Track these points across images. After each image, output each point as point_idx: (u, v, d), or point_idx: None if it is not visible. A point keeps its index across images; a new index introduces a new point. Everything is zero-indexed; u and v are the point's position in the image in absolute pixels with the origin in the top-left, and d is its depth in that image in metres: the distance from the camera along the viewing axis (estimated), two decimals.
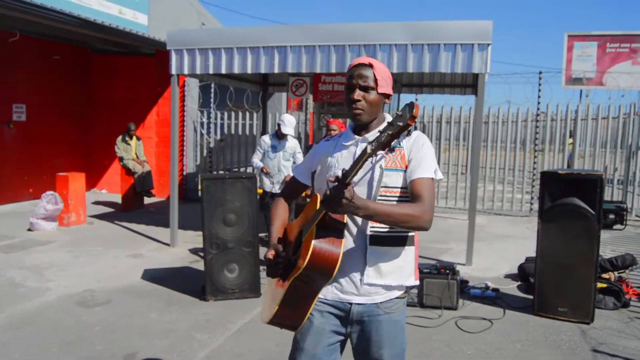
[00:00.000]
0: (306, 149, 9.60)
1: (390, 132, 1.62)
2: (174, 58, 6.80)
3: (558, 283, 4.59)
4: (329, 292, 2.06)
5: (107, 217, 9.32)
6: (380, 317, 2.04)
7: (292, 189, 2.34)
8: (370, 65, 2.02)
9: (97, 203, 10.85)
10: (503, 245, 7.64)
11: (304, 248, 1.85)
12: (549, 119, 10.26)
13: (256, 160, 6.42)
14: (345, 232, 1.96)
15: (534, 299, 4.77)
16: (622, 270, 5.56)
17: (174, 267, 6.26)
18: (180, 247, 7.18)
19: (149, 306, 4.93)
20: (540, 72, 9.92)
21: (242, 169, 12.11)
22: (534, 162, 10.36)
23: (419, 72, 6.02)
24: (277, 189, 6.25)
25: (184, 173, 11.39)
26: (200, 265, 5.96)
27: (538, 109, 10.24)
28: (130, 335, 4.25)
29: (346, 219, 1.89)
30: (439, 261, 6.17)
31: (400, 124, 1.61)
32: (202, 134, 11.57)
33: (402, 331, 2.10)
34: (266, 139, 6.41)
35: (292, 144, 6.33)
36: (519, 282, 5.72)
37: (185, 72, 6.81)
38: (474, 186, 6.48)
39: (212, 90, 11.45)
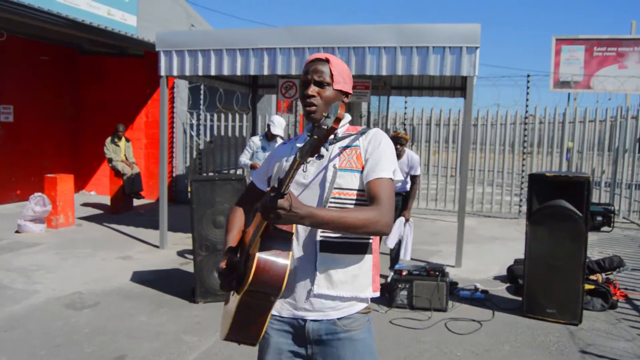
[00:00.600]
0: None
1: (316, 137, 1.46)
2: (162, 59, 6.77)
3: (546, 285, 4.63)
4: (284, 309, 1.88)
5: (96, 219, 9.26)
6: (339, 336, 1.85)
7: (250, 195, 2.12)
8: (327, 60, 1.90)
9: (86, 205, 10.77)
10: (492, 247, 7.68)
11: (250, 261, 1.67)
12: (537, 121, 10.34)
13: (244, 159, 6.37)
14: (295, 240, 1.81)
15: (523, 300, 4.80)
16: (609, 272, 5.62)
17: (163, 269, 6.23)
18: (169, 249, 7.15)
19: (138, 309, 4.90)
20: (529, 75, 10.01)
21: (231, 171, 12.08)
22: (523, 165, 10.43)
23: (407, 74, 6.04)
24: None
25: (174, 175, 11.35)
26: (189, 267, 5.94)
27: (526, 111, 10.33)
28: (119, 337, 4.22)
29: (294, 228, 1.76)
30: (428, 263, 6.18)
31: (325, 127, 1.45)
32: (191, 136, 11.53)
33: (368, 352, 1.88)
34: (256, 140, 6.39)
35: None
36: (508, 284, 5.76)
37: (175, 73, 6.79)
38: (463, 188, 6.52)
39: (202, 92, 11.42)
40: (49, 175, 8.64)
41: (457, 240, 6.44)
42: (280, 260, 1.64)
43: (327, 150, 1.87)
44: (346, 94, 1.96)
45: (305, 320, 1.86)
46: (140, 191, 10.11)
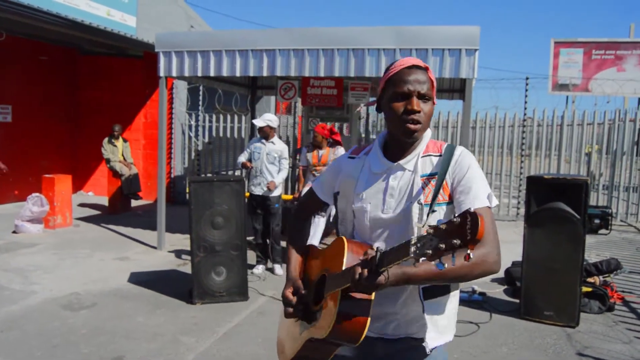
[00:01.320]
0: (294, 153, 9.61)
1: (442, 247, 1.19)
2: (162, 60, 6.77)
3: (544, 287, 4.63)
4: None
5: (94, 220, 9.25)
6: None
7: (311, 203, 1.97)
8: (426, 69, 1.66)
9: (83, 205, 10.75)
10: None
11: (325, 310, 1.62)
12: (535, 124, 10.35)
13: (242, 158, 6.34)
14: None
15: (520, 302, 4.81)
16: (607, 275, 5.62)
17: (161, 270, 6.23)
18: (167, 250, 7.15)
19: (136, 309, 4.90)
20: (527, 78, 10.02)
21: (230, 172, 12.08)
22: (521, 167, 10.44)
23: None
24: (260, 191, 6.18)
25: (172, 176, 11.34)
26: (187, 268, 5.94)
27: (525, 114, 10.34)
28: (116, 338, 4.22)
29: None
30: None
31: (458, 242, 1.15)
32: (190, 137, 11.52)
33: None
34: (254, 141, 6.38)
35: (278, 147, 6.28)
36: (506, 286, 5.76)
37: (174, 74, 6.79)
38: None
39: (201, 93, 11.42)
40: (46, 175, 8.62)
41: None
42: (359, 318, 1.54)
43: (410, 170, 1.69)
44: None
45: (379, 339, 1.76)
46: (138, 192, 10.09)
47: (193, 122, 11.49)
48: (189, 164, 11.58)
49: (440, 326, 1.69)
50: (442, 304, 1.69)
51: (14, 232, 7.93)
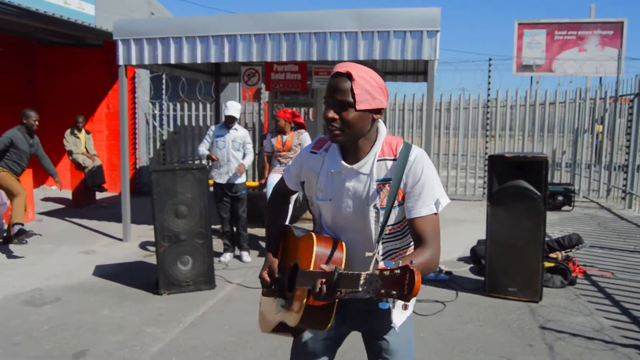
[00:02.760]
0: (260, 139, 9.53)
1: (383, 292, 1.28)
2: (120, 48, 6.61)
3: (507, 264, 4.71)
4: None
5: (58, 214, 9.04)
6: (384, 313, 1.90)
7: (283, 188, 2.12)
8: (349, 75, 1.68)
9: (47, 199, 10.51)
10: (456, 229, 7.78)
11: (295, 301, 1.79)
12: (499, 105, 10.48)
13: (202, 149, 6.17)
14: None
15: (485, 280, 4.89)
16: (569, 250, 5.76)
17: (127, 262, 6.13)
18: (133, 242, 7.04)
19: (101, 303, 4.81)
20: (490, 59, 10.12)
21: (197, 162, 11.93)
22: (486, 148, 10.58)
23: (370, 59, 6.03)
24: (225, 180, 6.11)
25: (137, 166, 11.15)
26: (153, 259, 5.85)
27: (488, 95, 10.46)
28: (80, 333, 4.14)
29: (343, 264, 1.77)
30: None
31: (395, 293, 1.26)
32: (154, 127, 11.33)
33: (408, 330, 2.02)
34: (215, 128, 6.25)
35: (241, 133, 6.20)
36: (472, 265, 5.85)
37: (133, 62, 6.64)
38: None
39: (164, 81, 11.21)
40: None
41: None
42: (325, 310, 1.71)
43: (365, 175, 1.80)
44: (378, 110, 1.75)
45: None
46: (103, 184, 9.89)
47: (157, 112, 11.29)
48: (155, 154, 11.39)
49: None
50: None
51: None
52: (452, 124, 10.80)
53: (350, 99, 1.68)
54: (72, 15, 9.58)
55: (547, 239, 5.33)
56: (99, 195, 10.25)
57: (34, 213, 8.57)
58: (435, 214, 1.73)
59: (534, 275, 4.64)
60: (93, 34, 10.06)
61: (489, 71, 10.31)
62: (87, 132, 10.03)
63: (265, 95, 10.27)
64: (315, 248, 1.73)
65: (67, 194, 10.24)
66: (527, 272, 4.65)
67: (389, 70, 9.29)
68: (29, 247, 6.78)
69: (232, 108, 6.08)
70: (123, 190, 7.11)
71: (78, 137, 9.73)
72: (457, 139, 11.02)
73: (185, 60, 6.42)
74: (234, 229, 6.31)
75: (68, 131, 9.73)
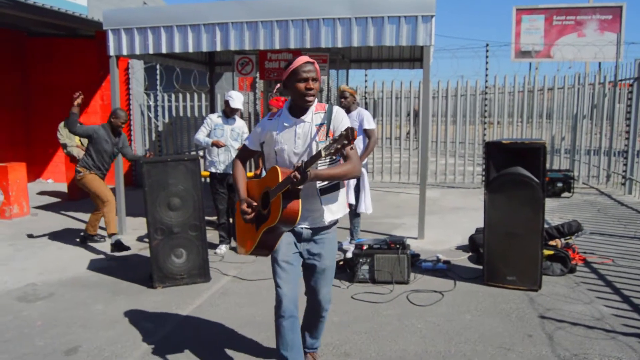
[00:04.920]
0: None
1: (338, 147, 2.39)
2: (111, 38, 6.50)
3: (506, 252, 4.64)
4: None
5: (53, 208, 8.97)
6: (322, 236, 2.93)
7: (245, 153, 3.13)
8: (313, 63, 2.78)
9: (42, 193, 10.43)
10: (455, 217, 7.71)
11: (273, 208, 2.67)
12: (497, 91, 10.37)
13: (202, 137, 6.07)
14: (305, 190, 2.71)
15: (483, 269, 4.82)
16: (568, 237, 5.69)
17: (122, 255, 6.06)
18: (129, 235, 6.97)
19: (95, 297, 4.75)
20: (487, 45, 9.99)
21: (193, 153, 11.84)
22: (484, 135, 10.48)
23: (364, 46, 5.93)
24: (222, 169, 6.03)
25: None
26: (149, 252, 5.78)
27: (486, 81, 10.34)
28: (73, 328, 4.07)
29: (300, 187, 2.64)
30: (390, 236, 6.17)
31: (346, 142, 2.38)
32: (149, 118, 11.22)
33: (333, 247, 3.02)
34: (214, 117, 6.14)
35: (240, 123, 6.13)
36: (470, 253, 5.78)
37: (124, 52, 6.53)
38: (423, 159, 6.48)
39: (158, 72, 11.08)
40: None
41: (419, 211, 6.43)
42: (295, 207, 2.62)
43: (324, 122, 2.80)
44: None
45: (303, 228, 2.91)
46: None
47: (152, 103, 11.17)
48: (150, 146, 11.28)
49: (333, 210, 2.89)
50: (333, 197, 2.87)
51: None
52: (450, 111, 10.68)
53: (317, 76, 2.79)
54: (64, 6, 9.43)
55: (546, 226, 5.25)
56: None
57: (29, 207, 8.49)
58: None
59: (533, 263, 4.57)
60: (85, 25, 9.92)
61: (487, 57, 10.19)
62: (80, 124, 9.89)
63: (260, 84, 10.14)
64: (279, 169, 2.67)
65: (64, 187, 10.16)
66: (526, 260, 4.58)
67: (385, 57, 9.18)
68: (23, 242, 6.72)
69: (237, 100, 6.01)
70: (117, 183, 7.03)
71: None
72: (455, 126, 10.92)
73: (177, 49, 6.31)
74: (230, 220, 6.24)
75: (62, 124, 9.59)
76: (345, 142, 2.37)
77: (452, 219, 7.62)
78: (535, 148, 4.48)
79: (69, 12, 9.35)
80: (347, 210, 3.02)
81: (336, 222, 2.98)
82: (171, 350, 3.66)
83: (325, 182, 2.79)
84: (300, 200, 2.63)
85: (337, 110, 2.83)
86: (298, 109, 2.83)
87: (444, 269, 5.23)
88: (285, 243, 2.87)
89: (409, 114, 12.13)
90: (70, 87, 10.87)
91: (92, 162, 6.34)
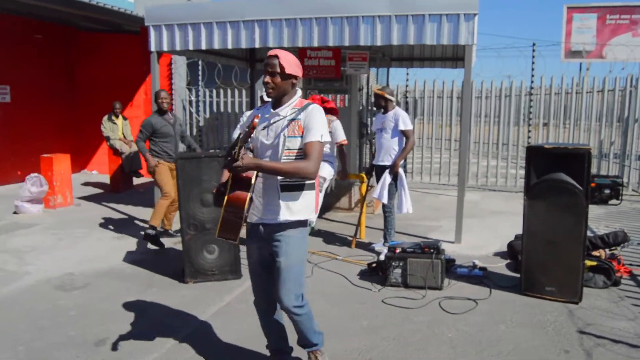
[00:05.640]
0: None
1: (245, 132, 2.57)
2: (152, 34, 6.60)
3: (545, 261, 4.45)
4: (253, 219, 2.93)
5: (95, 199, 9.18)
6: (280, 234, 2.87)
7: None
8: (276, 56, 2.76)
9: (87, 184, 10.71)
10: (495, 222, 7.49)
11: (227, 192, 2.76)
12: (542, 92, 10.02)
13: (237, 134, 6.11)
14: (266, 183, 2.82)
15: (521, 278, 4.64)
16: (613, 247, 5.41)
17: (157, 248, 6.13)
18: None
19: (128, 289, 4.81)
20: (534, 44, 9.67)
21: None
22: (528, 137, 10.16)
23: (404, 44, 5.80)
24: None
25: None
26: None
27: (532, 82, 10.01)
28: (104, 319, 4.13)
29: (255, 177, 2.71)
30: (424, 239, 6.03)
31: (247, 129, 2.58)
32: (191, 113, 11.36)
33: (297, 246, 2.91)
34: (248, 114, 6.15)
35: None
36: (508, 261, 5.59)
37: (165, 48, 6.60)
38: (463, 161, 6.32)
39: (200, 67, 11.20)
40: (44, 155, 8.52)
41: (456, 214, 6.27)
42: (240, 195, 2.67)
43: (298, 117, 2.78)
44: (294, 77, 2.83)
45: (260, 224, 2.91)
46: (139, 169, 9.98)
47: (193, 98, 11.31)
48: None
49: (293, 210, 2.83)
50: (294, 196, 2.82)
51: (15, 212, 7.89)
52: (493, 111, 10.39)
53: (279, 70, 2.75)
54: (111, 2, 9.63)
55: (590, 235, 5.02)
56: (135, 181, 10.37)
57: (72, 198, 8.71)
58: (320, 142, 2.75)
59: (573, 274, 4.36)
60: (130, 21, 10.12)
61: (533, 57, 9.86)
62: (124, 118, 10.13)
63: (299, 81, 10.13)
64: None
65: (107, 179, 10.40)
66: (566, 270, 4.38)
67: (427, 56, 9.00)
68: (65, 232, 6.89)
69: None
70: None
71: (115, 123, 9.84)
72: (498, 127, 10.62)
73: (216, 45, 6.34)
74: None
75: (105, 117, 9.84)
76: (247, 129, 2.53)
77: (491, 223, 7.40)
78: (580, 154, 4.27)
79: (115, 8, 9.54)
80: (314, 215, 2.95)
81: (300, 223, 2.90)
82: (198, 346, 3.66)
83: (287, 179, 2.78)
84: (250, 189, 2.66)
85: (313, 108, 2.81)
86: (276, 102, 2.86)
87: (479, 276, 5.07)
88: (254, 249, 2.98)
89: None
90: (116, 81, 11.19)
91: (159, 149, 6.41)
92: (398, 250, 4.82)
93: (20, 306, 4.42)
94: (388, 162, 5.91)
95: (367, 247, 6.19)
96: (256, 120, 2.61)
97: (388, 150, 5.91)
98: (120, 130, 9.90)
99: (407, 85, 10.77)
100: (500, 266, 5.44)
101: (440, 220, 7.52)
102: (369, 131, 8.33)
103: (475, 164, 10.43)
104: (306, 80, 8.13)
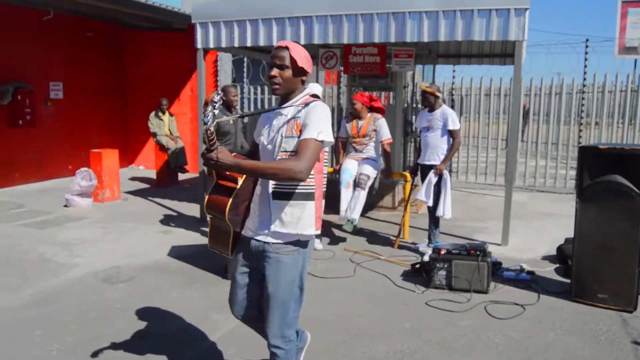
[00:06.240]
0: (337, 124, 9.37)
1: (205, 129, 2.17)
2: (199, 32, 6.66)
3: (598, 267, 4.27)
4: (247, 234, 2.59)
5: (142, 193, 9.38)
6: (269, 255, 2.49)
7: (254, 145, 2.74)
8: (287, 47, 2.42)
9: (134, 179, 10.95)
10: (543, 224, 7.26)
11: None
12: (595, 90, 9.64)
13: None
14: (261, 191, 2.49)
15: (572, 283, 4.47)
16: None
17: (202, 244, 6.19)
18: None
19: (171, 284, 4.88)
20: (587, 40, 9.33)
21: None
22: (580, 137, 9.81)
23: (451, 40, 5.68)
24: None
25: None
26: None
27: (584, 79, 9.66)
28: (148, 314, 4.19)
29: (242, 180, 2.44)
30: (470, 241, 5.89)
31: (210, 107, 2.16)
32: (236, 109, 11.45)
33: (289, 273, 2.50)
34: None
35: None
36: (558, 265, 5.39)
37: (211, 45, 6.66)
38: (511, 160, 6.15)
39: (245, 64, 11.29)
40: (94, 150, 8.76)
41: (503, 216, 6.10)
42: (220, 199, 2.43)
43: (297, 115, 2.42)
44: (305, 72, 2.48)
45: (251, 239, 2.55)
46: (185, 165, 10.14)
47: (238, 95, 11.39)
48: None
49: (285, 222, 2.43)
50: (288, 205, 2.42)
51: (65, 205, 8.13)
52: (543, 110, 10.07)
53: (289, 63, 2.40)
54: (159, 1, 9.82)
55: None
56: (181, 177, 10.54)
57: (120, 192, 8.92)
58: (315, 140, 2.32)
59: (628, 281, 4.17)
60: (178, 18, 10.28)
61: (586, 53, 9.51)
62: (171, 115, 10.30)
63: (344, 78, 10.05)
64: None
65: (153, 174, 10.62)
66: (620, 277, 4.19)
67: (475, 53, 8.81)
68: (112, 225, 7.05)
69: (315, 87, 5.96)
70: (202, 172, 7.21)
71: (162, 119, 10.02)
72: (547, 126, 10.29)
73: (262, 42, 6.35)
74: None
75: (152, 113, 10.03)
76: (208, 105, 2.15)
77: (539, 225, 7.18)
78: (637, 155, 4.08)
79: (163, 5, 9.71)
80: (311, 230, 2.47)
81: (297, 243, 2.49)
82: (240, 343, 3.66)
83: (281, 183, 2.39)
84: (232, 193, 2.40)
85: (315, 105, 2.42)
86: (283, 100, 2.52)
87: (527, 280, 4.91)
88: (239, 259, 2.66)
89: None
90: (164, 78, 11.40)
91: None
92: (443, 252, 4.72)
93: (70, 297, 4.54)
94: (434, 162, 5.80)
95: (410, 247, 6.10)
96: (212, 94, 2.21)
97: (435, 149, 5.80)
98: (166, 126, 10.08)
99: (453, 83, 10.57)
100: (548, 270, 5.26)
101: (486, 222, 7.34)
102: (413, 129, 8.22)
103: (523, 164, 10.15)
104: (351, 77, 8.07)
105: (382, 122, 6.20)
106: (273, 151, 2.45)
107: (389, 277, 5.05)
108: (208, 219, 2.50)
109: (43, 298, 4.52)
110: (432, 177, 5.75)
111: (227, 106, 6.38)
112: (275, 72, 2.41)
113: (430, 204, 5.78)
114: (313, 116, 2.37)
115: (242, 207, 2.55)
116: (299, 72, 2.44)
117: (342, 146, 6.60)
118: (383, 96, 11.41)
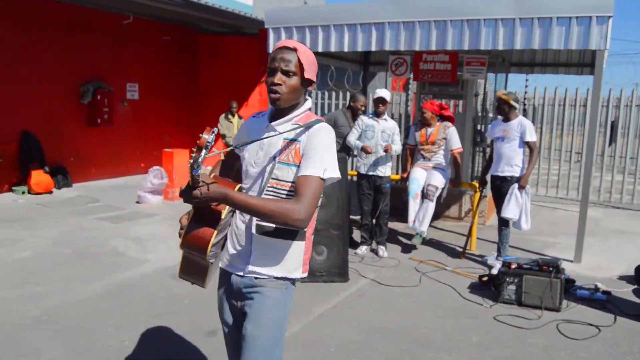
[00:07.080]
0: (406, 130, 9.29)
1: (199, 156, 1.65)
2: (272, 37, 6.77)
3: None
4: (223, 264, 2.17)
5: None
6: (254, 289, 2.06)
7: (231, 156, 2.31)
8: (295, 50, 1.96)
9: None
10: (619, 242, 6.91)
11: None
12: None
13: (353, 139, 6.06)
14: (239, 218, 2.06)
15: None
16: None
17: None
18: None
19: None
20: None
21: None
22: None
23: (527, 48, 5.51)
24: (372, 171, 5.98)
25: None
26: None
27: None
28: (215, 311, 4.25)
29: (226, 212, 1.93)
30: (542, 256, 5.68)
31: (204, 152, 1.65)
32: None
33: (274, 309, 2.07)
34: (365, 119, 6.10)
35: (391, 124, 6.02)
36: (636, 286, 5.12)
37: None
38: (586, 174, 5.89)
39: None
40: (166, 149, 9.08)
41: (577, 232, 5.85)
42: (204, 233, 1.91)
43: (297, 139, 1.97)
44: (311, 82, 2.02)
45: (231, 274, 2.12)
46: None
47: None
48: None
49: (267, 260, 2.02)
50: (273, 243, 2.00)
51: (137, 202, 8.46)
52: (621, 122, 9.61)
53: (296, 69, 1.94)
54: (232, 6, 10.09)
55: None
56: None
57: None
58: (320, 178, 1.90)
59: None
60: (250, 23, 10.52)
61: None
62: (240, 117, 10.53)
63: (413, 85, 9.96)
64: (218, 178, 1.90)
65: None
66: None
67: (550, 61, 8.51)
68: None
69: (381, 91, 5.94)
70: None
71: (231, 122, 10.26)
72: (624, 139, 9.80)
73: (333, 48, 6.39)
74: (374, 222, 6.18)
75: (222, 116, 10.29)
76: (204, 152, 1.66)
77: (615, 243, 6.83)
78: None
79: (236, 11, 9.96)
80: (297, 274, 2.09)
81: (280, 279, 2.05)
82: (302, 347, 3.69)
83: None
84: (217, 225, 1.92)
85: (320, 129, 1.96)
86: (277, 113, 2.04)
87: (602, 300, 4.68)
88: (225, 306, 2.24)
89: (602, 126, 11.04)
90: (234, 81, 11.68)
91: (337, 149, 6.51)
92: (514, 266, 4.57)
93: (140, 291, 4.71)
94: (508, 174, 5.62)
95: (477, 259, 5.96)
96: (205, 135, 1.71)
97: (509, 160, 5.63)
98: (235, 128, 10.31)
99: (525, 92, 10.26)
100: (626, 291, 4.99)
101: (558, 237, 7.06)
102: (484, 138, 8.03)
103: (598, 178, 9.71)
104: (420, 84, 7.99)
105: (452, 131, 6.09)
106: (261, 176, 2.02)
107: (456, 288, 4.95)
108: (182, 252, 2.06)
109: (115, 290, 4.71)
110: (517, 193, 5.57)
111: (353, 113, 6.44)
112: (279, 78, 1.93)
113: (516, 219, 5.60)
114: (318, 144, 1.93)
115: (223, 240, 2.14)
116: (307, 81, 2.00)
117: (409, 153, 6.53)
118: (452, 104, 11.23)
